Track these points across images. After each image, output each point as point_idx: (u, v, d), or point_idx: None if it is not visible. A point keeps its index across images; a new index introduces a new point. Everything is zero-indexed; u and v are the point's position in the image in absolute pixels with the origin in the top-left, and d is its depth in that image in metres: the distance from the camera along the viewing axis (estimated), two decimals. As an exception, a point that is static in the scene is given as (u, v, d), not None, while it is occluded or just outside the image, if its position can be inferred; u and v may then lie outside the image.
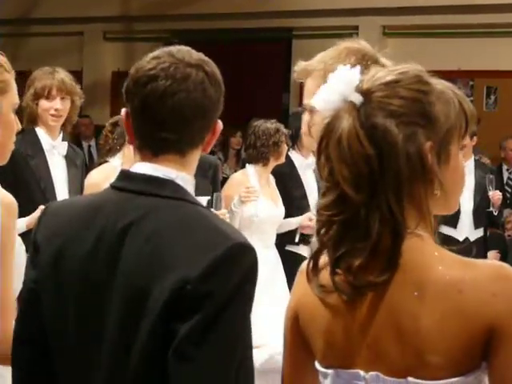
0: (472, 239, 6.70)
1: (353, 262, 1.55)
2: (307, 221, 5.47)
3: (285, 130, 5.48)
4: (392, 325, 1.56)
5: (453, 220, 6.73)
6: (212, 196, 4.77)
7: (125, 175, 1.75)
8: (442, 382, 1.52)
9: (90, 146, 10.46)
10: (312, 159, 5.75)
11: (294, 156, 5.72)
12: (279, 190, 5.57)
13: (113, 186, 1.75)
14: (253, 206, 5.33)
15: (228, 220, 4.87)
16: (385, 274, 1.54)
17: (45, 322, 1.75)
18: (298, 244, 5.62)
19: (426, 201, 1.58)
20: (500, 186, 8.16)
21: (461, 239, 6.70)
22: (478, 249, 6.53)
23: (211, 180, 5.11)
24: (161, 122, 1.71)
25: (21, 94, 4.31)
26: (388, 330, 1.56)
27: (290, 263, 5.39)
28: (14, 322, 1.84)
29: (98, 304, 1.67)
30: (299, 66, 2.24)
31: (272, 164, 5.47)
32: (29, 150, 4.28)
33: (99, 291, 1.67)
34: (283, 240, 5.57)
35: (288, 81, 10.86)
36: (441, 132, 1.58)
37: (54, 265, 1.73)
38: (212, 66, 1.77)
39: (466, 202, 6.73)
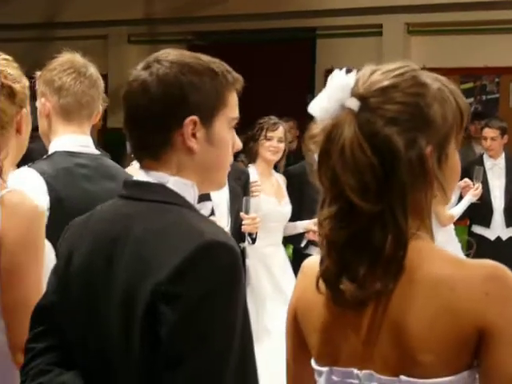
0: (504, 238, 6.68)
1: (358, 272, 1.54)
2: (312, 225, 5.44)
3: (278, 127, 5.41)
4: (387, 324, 1.55)
5: (486, 220, 6.70)
6: (242, 200, 4.89)
7: (124, 183, 1.81)
8: (434, 380, 1.51)
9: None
10: None
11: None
12: (294, 190, 5.53)
13: (118, 194, 1.82)
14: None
15: (259, 224, 4.88)
16: (390, 283, 1.53)
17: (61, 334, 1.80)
18: (304, 249, 5.59)
19: (427, 205, 1.57)
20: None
21: (492, 238, 6.68)
22: (510, 247, 6.49)
23: (243, 185, 5.18)
24: (132, 129, 1.78)
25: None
26: (383, 329, 1.55)
27: (299, 262, 5.38)
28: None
29: (98, 309, 1.71)
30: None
31: (261, 161, 5.44)
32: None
33: (99, 296, 1.71)
34: (290, 242, 5.53)
35: (312, 81, 10.83)
36: (439, 134, 1.56)
37: (65, 270, 1.81)
38: (163, 66, 1.75)
39: (498, 201, 6.70)
